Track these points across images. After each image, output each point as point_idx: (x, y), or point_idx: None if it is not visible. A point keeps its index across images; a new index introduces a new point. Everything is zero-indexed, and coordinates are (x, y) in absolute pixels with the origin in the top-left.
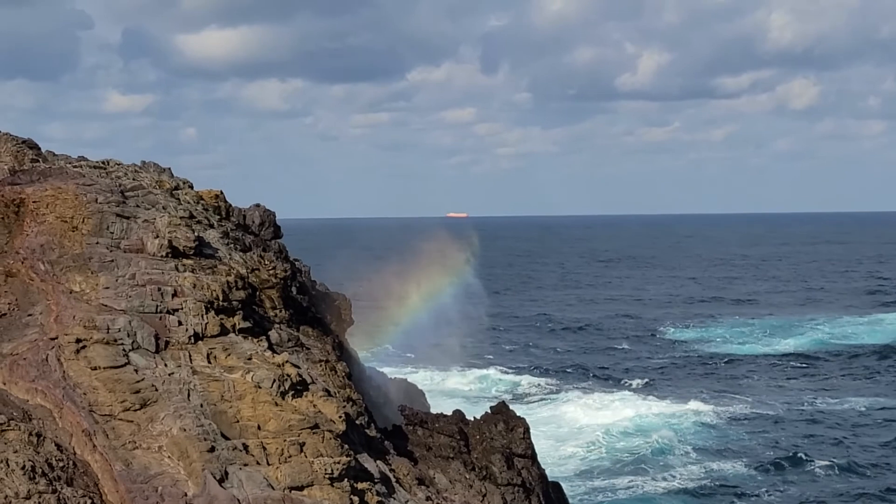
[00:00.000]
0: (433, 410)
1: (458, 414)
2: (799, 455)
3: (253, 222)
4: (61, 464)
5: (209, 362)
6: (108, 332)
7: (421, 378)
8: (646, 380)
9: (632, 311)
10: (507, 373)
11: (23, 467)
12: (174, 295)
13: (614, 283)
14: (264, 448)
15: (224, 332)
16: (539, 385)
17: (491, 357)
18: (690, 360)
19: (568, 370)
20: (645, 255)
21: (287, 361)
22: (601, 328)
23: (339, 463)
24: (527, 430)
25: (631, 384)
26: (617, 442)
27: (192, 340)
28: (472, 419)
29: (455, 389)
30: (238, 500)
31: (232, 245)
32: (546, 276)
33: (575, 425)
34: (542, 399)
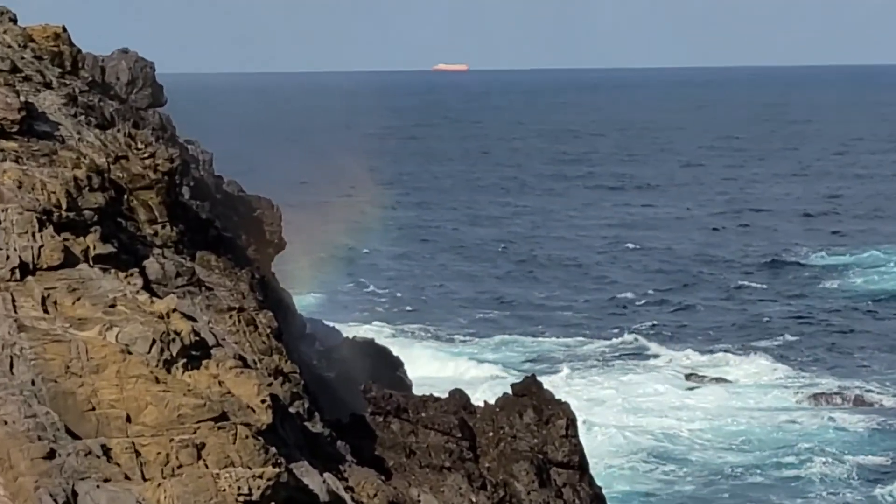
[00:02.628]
0: (417, 390)
1: (458, 396)
2: None
3: (118, 80)
4: None
5: (46, 312)
6: None
7: (397, 339)
8: (744, 344)
9: (714, 226)
10: (530, 334)
11: None
12: None
13: (678, 179)
14: (138, 453)
15: (70, 261)
16: (577, 351)
17: (503, 308)
18: (816, 313)
19: (619, 329)
20: (720, 128)
21: (175, 309)
22: (670, 255)
23: (261, 477)
24: (572, 422)
25: (720, 349)
26: (708, 445)
27: (18, 275)
28: (483, 405)
29: (451, 356)
30: None
31: (83, 117)
32: (578, 164)
33: (635, 414)
34: (587, 372)
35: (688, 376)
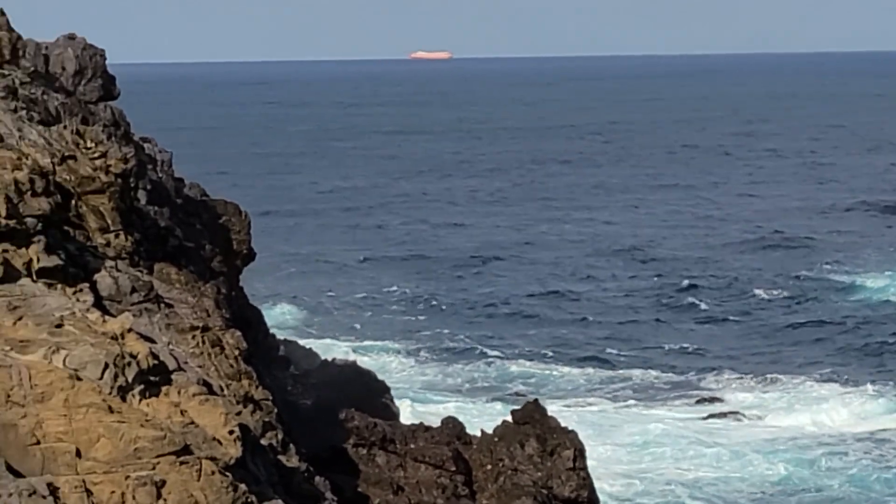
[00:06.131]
0: (405, 419)
1: (452, 425)
2: None
3: (63, 69)
4: None
5: None
6: None
7: (382, 363)
8: (765, 368)
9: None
10: (529, 357)
11: None
12: None
13: (709, 179)
14: (89, 492)
15: (11, 275)
16: (587, 376)
17: (497, 331)
18: (838, 331)
19: (638, 354)
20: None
21: (130, 329)
22: (668, 266)
23: None
24: (580, 453)
25: (737, 375)
26: (731, 489)
27: None
28: (480, 434)
29: (442, 382)
30: None
31: (24, 112)
32: (587, 169)
33: (648, 448)
34: (592, 400)
35: (700, 402)
